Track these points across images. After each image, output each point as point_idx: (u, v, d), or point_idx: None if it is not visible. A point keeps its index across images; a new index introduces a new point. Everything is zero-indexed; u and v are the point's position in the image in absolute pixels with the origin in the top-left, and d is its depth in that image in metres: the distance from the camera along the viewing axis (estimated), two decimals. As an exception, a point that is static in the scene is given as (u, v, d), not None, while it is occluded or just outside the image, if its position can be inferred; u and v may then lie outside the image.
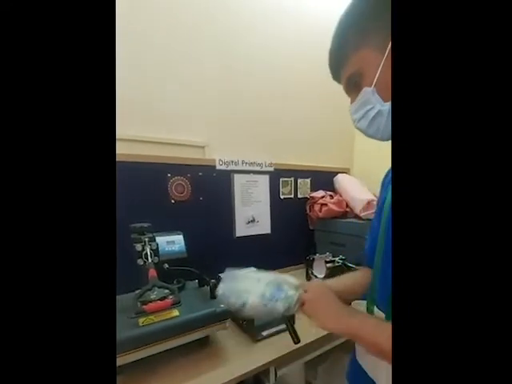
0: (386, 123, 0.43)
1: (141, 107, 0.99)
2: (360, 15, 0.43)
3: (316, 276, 0.94)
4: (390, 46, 0.39)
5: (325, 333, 0.80)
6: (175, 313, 0.68)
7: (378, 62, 0.40)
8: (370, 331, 0.41)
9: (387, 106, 0.41)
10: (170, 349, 0.65)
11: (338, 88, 0.50)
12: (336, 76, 0.49)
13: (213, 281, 0.79)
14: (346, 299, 0.55)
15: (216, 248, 1.14)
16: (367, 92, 0.43)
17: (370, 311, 0.53)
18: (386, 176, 0.58)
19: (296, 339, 0.64)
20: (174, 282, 0.88)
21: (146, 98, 1.00)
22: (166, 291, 0.70)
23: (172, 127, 1.06)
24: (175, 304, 0.69)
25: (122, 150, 0.92)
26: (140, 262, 0.78)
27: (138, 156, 0.97)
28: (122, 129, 0.93)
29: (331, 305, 0.47)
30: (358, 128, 0.47)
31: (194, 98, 1.10)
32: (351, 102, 0.47)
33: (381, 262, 0.50)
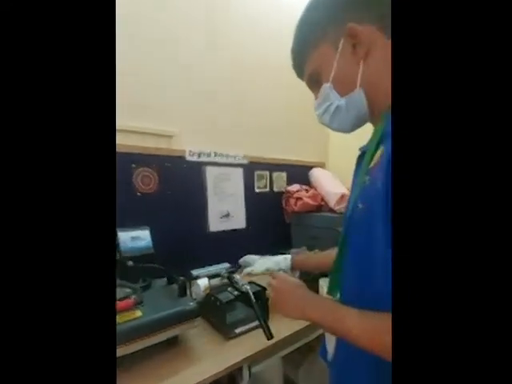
0: (346, 117, 0.44)
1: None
2: (318, 12, 0.43)
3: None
4: (342, 41, 0.40)
5: (300, 327, 0.78)
6: (138, 313, 0.62)
7: (334, 58, 0.41)
8: (333, 322, 0.41)
9: (343, 101, 0.43)
10: (136, 351, 0.58)
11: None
12: (300, 74, 0.50)
13: (182, 278, 0.73)
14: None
15: (188, 244, 1.08)
16: (325, 88, 0.44)
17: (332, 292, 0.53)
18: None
19: (269, 335, 0.61)
20: (140, 280, 0.81)
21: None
22: (128, 290, 0.64)
23: (137, 114, 0.98)
24: (137, 304, 0.62)
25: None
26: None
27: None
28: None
29: (296, 293, 0.48)
30: (322, 123, 0.49)
31: (162, 83, 1.02)
32: (315, 99, 0.48)
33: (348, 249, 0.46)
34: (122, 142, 0.92)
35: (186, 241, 1.08)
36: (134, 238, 0.83)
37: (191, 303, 0.68)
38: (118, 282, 0.64)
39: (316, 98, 0.47)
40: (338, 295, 0.48)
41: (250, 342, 0.72)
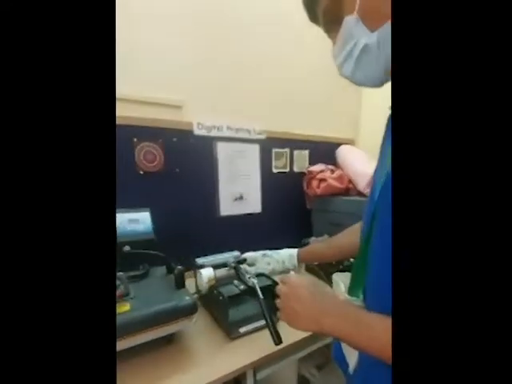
0: (377, 60, 0.34)
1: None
2: None
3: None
4: None
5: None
6: (125, 307, 0.54)
7: None
8: (347, 333, 0.35)
9: (375, 36, 0.33)
10: (121, 350, 0.51)
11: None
12: (312, 14, 0.40)
13: (179, 267, 0.64)
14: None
15: (195, 229, 0.99)
16: (349, 22, 0.34)
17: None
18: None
19: (277, 339, 0.52)
20: (140, 267, 0.74)
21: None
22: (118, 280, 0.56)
23: (139, 81, 0.87)
24: (123, 296, 0.54)
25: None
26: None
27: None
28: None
29: (307, 301, 0.40)
30: (343, 76, 0.39)
31: (167, 43, 0.89)
32: (333, 45, 0.39)
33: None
34: (121, 112, 0.83)
35: (194, 226, 0.98)
36: (132, 221, 0.75)
37: (187, 297, 0.58)
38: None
39: (334, 43, 0.38)
40: (361, 296, 0.42)
41: (257, 344, 0.62)
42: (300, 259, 0.73)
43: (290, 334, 0.59)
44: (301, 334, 0.65)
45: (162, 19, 0.87)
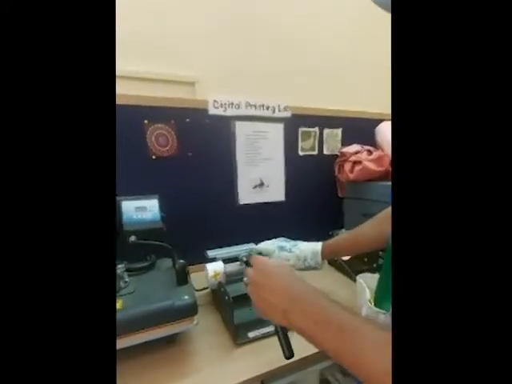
0: None
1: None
2: None
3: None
4: None
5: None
6: (117, 305, 0.49)
7: None
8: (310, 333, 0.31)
9: None
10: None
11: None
12: None
13: (181, 261, 0.57)
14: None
15: (211, 219, 0.92)
16: None
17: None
18: None
19: (287, 352, 0.43)
20: (147, 258, 0.70)
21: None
22: None
23: (148, 55, 0.80)
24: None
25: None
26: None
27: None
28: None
29: (276, 286, 0.35)
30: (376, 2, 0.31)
31: (175, 8, 0.80)
32: None
33: None
34: (130, 91, 0.77)
35: (209, 215, 0.91)
36: (139, 209, 0.70)
37: (186, 297, 0.52)
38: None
39: None
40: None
41: (269, 352, 0.54)
42: (324, 256, 0.63)
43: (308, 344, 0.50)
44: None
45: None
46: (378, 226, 0.59)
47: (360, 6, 0.92)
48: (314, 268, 0.64)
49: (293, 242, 0.67)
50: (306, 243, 0.66)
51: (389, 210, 0.60)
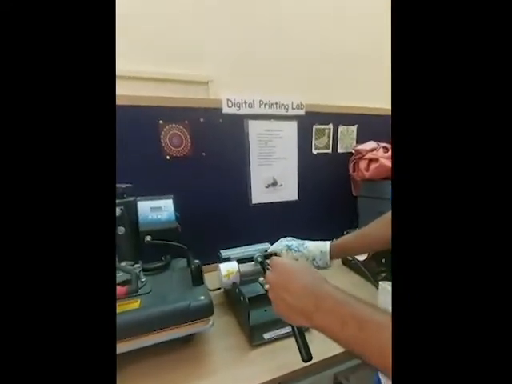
0: None
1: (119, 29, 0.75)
2: None
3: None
4: None
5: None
6: (135, 304, 0.50)
7: None
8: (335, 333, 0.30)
9: None
10: (124, 352, 0.47)
11: None
12: None
13: (196, 261, 0.58)
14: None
15: (224, 218, 0.92)
16: None
17: None
18: None
19: (305, 355, 0.42)
20: (162, 258, 0.71)
21: (124, 17, 0.74)
22: (120, 274, 0.52)
23: (162, 57, 0.80)
24: (129, 293, 0.50)
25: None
26: (121, 230, 0.61)
27: (118, 97, 0.75)
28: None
29: (295, 293, 0.34)
30: None
31: (191, 12, 0.80)
32: None
33: None
34: (145, 92, 0.78)
35: (222, 215, 0.91)
36: (154, 209, 0.70)
37: (202, 297, 0.52)
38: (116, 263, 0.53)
39: None
40: None
41: (284, 354, 0.54)
42: (332, 255, 0.62)
43: (326, 346, 0.48)
44: (339, 348, 0.54)
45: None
46: (386, 225, 0.57)
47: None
48: (323, 268, 0.63)
49: (300, 241, 0.66)
50: (313, 242, 0.65)
51: None
